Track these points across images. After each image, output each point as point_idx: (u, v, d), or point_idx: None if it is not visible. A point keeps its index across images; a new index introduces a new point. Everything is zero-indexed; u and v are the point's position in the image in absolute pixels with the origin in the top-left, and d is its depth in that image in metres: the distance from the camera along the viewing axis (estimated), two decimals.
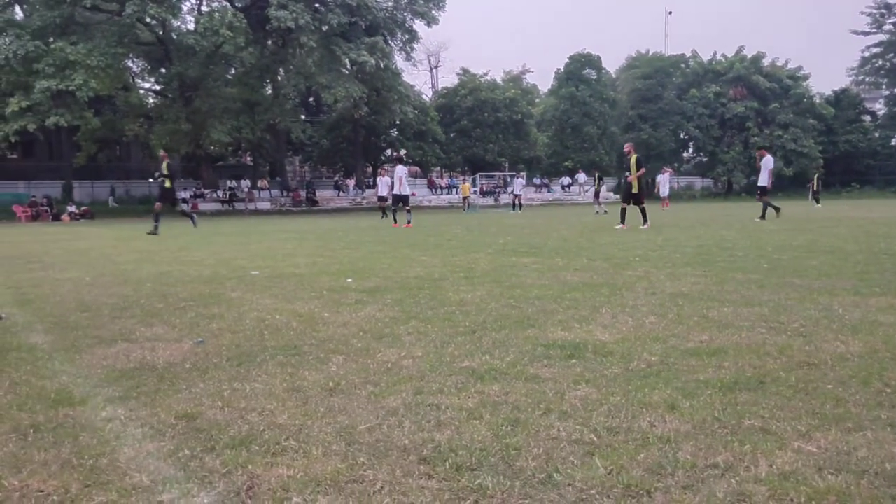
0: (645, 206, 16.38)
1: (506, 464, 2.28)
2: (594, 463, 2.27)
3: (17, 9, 38.79)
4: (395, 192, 21.06)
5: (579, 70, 57.53)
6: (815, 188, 36.11)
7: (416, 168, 54.47)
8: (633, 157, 16.23)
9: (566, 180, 54.97)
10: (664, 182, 35.05)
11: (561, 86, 58.02)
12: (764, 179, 19.21)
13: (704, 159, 62.28)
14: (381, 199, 27.74)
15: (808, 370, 3.30)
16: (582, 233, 14.86)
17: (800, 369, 3.31)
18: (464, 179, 42.19)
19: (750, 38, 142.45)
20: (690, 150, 65.50)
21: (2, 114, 33.08)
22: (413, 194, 22.93)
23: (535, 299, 5.63)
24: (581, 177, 51.75)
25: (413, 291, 6.26)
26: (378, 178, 29.74)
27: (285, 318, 5.07)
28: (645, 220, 16.02)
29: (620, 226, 15.80)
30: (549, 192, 54.26)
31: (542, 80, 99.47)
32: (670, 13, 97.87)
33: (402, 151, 48.84)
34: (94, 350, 4.13)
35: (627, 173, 16.45)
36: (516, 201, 35.35)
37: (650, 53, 63.45)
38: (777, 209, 19.12)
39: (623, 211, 16.38)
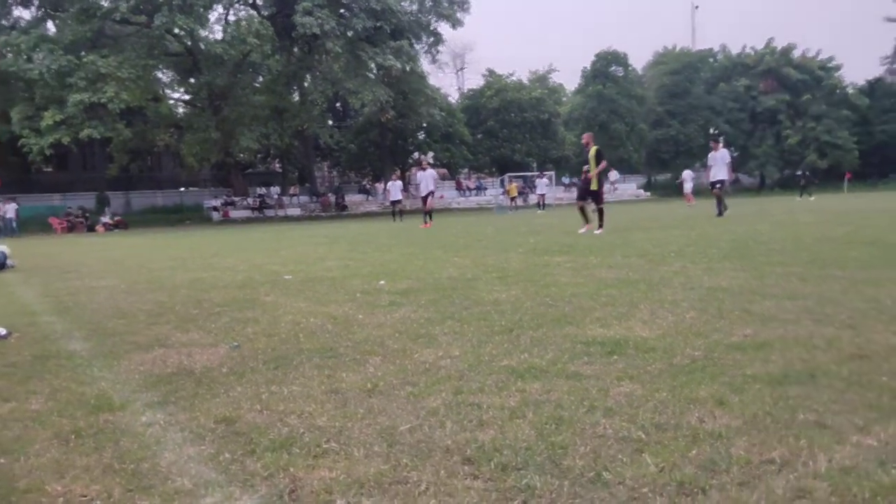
0: (603, 207, 14.49)
1: (552, 463, 2.22)
2: (644, 460, 2.20)
3: (50, 24, 39.55)
4: (424, 193, 22.00)
5: (606, 68, 57.19)
6: (802, 182, 37.37)
7: (444, 170, 54.47)
8: (593, 150, 14.18)
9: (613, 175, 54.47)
10: (688, 178, 34.74)
11: (588, 84, 57.73)
12: (722, 173, 18.30)
13: (735, 154, 61.48)
14: (394, 202, 28.06)
15: (860, 363, 3.18)
16: (613, 230, 14.70)
17: (851, 362, 3.20)
18: (511, 180, 42.34)
19: (779, 30, 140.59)
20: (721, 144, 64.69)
21: (37, 127, 33.70)
22: (442, 196, 23.57)
23: (571, 297, 5.54)
24: (613, 174, 51.37)
25: (447, 292, 6.21)
26: (389, 183, 29.95)
27: (320, 320, 5.05)
28: (601, 224, 14.06)
29: (585, 228, 14.25)
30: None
31: (569, 78, 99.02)
32: (697, 7, 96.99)
33: (430, 155, 49.00)
34: (132, 356, 4.14)
35: (586, 167, 14.47)
36: (541, 201, 35.31)
37: (677, 49, 62.88)
38: (723, 211, 18.26)
39: (581, 210, 14.77)
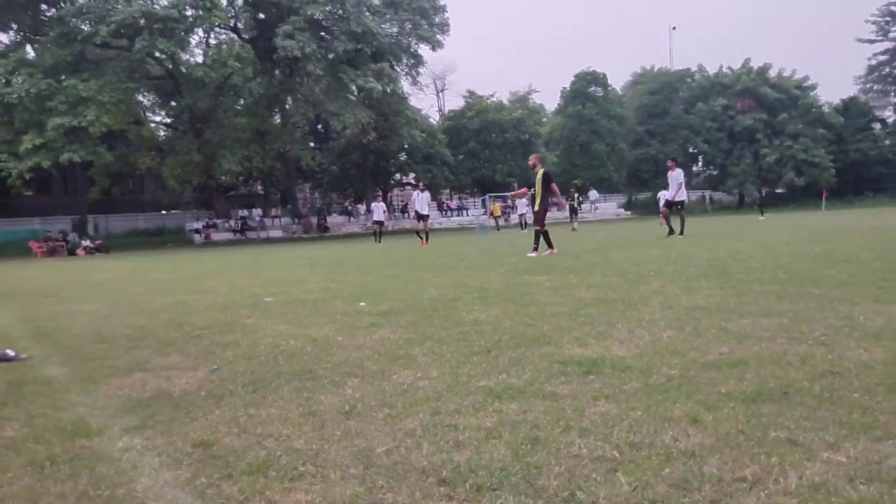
0: (546, 230, 13.75)
1: (527, 483, 2.24)
2: (618, 479, 2.22)
3: (29, 48, 39.41)
4: (422, 212, 23.50)
5: (585, 88, 57.70)
6: (758, 202, 39.20)
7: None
8: (540, 172, 13.66)
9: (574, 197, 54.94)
10: (663, 197, 35.36)
11: (568, 104, 58.20)
12: (676, 194, 18.11)
13: (714, 172, 62.13)
14: (377, 223, 28.44)
15: (833, 379, 3.24)
16: (594, 249, 14.79)
17: (824, 379, 3.25)
18: (494, 200, 42.74)
19: (754, 50, 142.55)
20: (700, 163, 65.42)
21: (16, 152, 33.47)
22: (428, 215, 24.26)
23: (550, 317, 5.58)
24: (593, 194, 51.73)
25: (427, 313, 6.23)
26: (373, 204, 30.36)
27: (300, 343, 5.05)
28: (536, 245, 13.59)
29: (548, 251, 13.48)
30: (559, 210, 54.17)
31: (549, 99, 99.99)
32: (674, 28, 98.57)
33: (412, 176, 49.34)
34: (111, 380, 4.12)
35: (531, 190, 14.02)
36: (522, 221, 35.57)
37: (656, 69, 63.63)
38: (671, 231, 17.88)
39: (543, 234, 13.81)
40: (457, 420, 2.93)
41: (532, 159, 14.31)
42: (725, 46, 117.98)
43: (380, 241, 27.13)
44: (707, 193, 61.74)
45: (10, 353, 4.90)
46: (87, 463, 2.65)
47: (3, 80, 33.78)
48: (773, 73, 59.86)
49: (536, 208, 13.87)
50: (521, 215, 36.32)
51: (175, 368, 4.38)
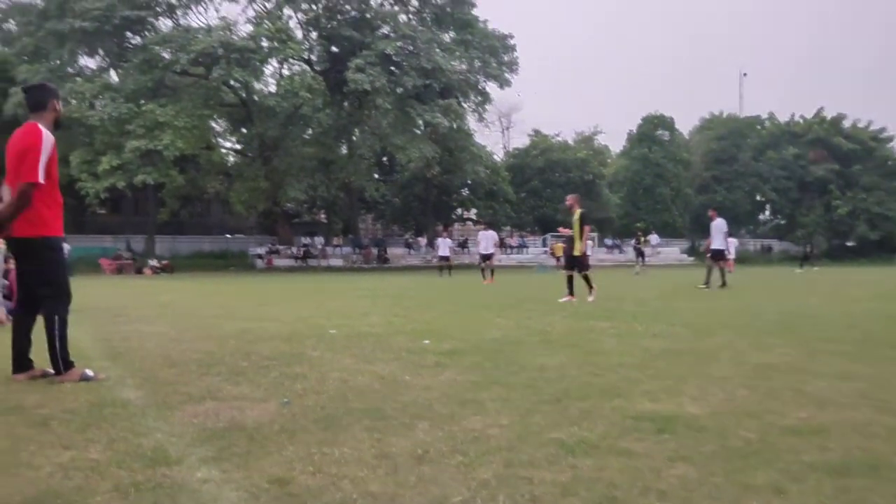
0: (589, 274, 13.58)
1: None
2: None
3: (113, 73, 41.24)
4: (484, 251, 23.88)
5: (652, 131, 57.38)
6: (806, 253, 39.55)
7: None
8: (577, 213, 13.43)
9: (654, 239, 54.12)
10: (732, 244, 35.13)
11: (633, 147, 57.92)
12: (717, 243, 17.70)
13: (782, 222, 60.72)
14: (442, 258, 29.00)
15: None
16: (658, 296, 14.56)
17: None
18: (555, 239, 42.79)
19: (828, 99, 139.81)
20: (767, 212, 64.07)
21: (94, 172, 34.89)
22: (494, 253, 24.63)
23: (618, 367, 5.51)
24: (654, 238, 51.02)
25: (491, 355, 6.22)
26: (438, 239, 30.98)
27: (367, 379, 5.09)
28: (591, 290, 13.23)
29: (566, 297, 13.09)
30: (620, 252, 53.58)
31: (615, 140, 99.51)
32: (745, 75, 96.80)
33: (473, 212, 49.64)
34: (185, 407, 4.21)
35: (570, 232, 13.80)
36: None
37: (725, 115, 62.88)
38: (708, 284, 17.18)
39: (569, 280, 13.65)
40: (531, 473, 2.90)
41: (569, 199, 13.93)
42: (798, 94, 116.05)
43: (443, 276, 27.51)
44: (768, 243, 60.28)
45: (90, 372, 5.06)
46: (169, 492, 2.71)
47: (88, 103, 35.40)
48: (847, 123, 58.49)
49: (576, 251, 13.61)
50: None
51: (246, 399, 4.46)
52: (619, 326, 8.50)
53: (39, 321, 5.13)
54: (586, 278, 13.41)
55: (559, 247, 41.14)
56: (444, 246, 29.24)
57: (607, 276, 28.59)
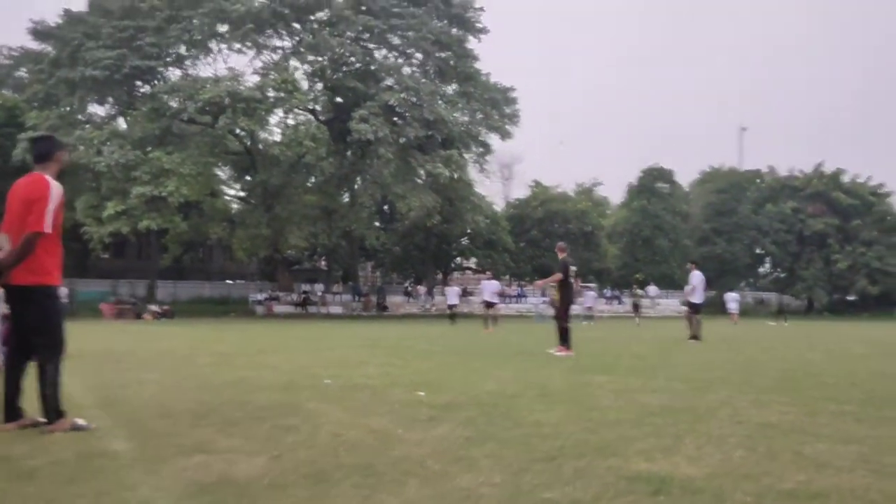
0: (569, 326, 12.80)
1: None
2: None
3: (122, 120, 41.82)
4: (488, 299, 24.65)
5: (652, 183, 57.82)
6: (781, 307, 40.29)
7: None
8: (560, 260, 12.99)
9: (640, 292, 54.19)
10: (732, 299, 36.32)
11: (633, 198, 58.29)
12: (697, 296, 17.53)
13: (782, 275, 60.73)
14: (451, 306, 30.00)
15: None
16: (656, 350, 14.49)
17: None
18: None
19: (828, 153, 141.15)
20: (767, 265, 64.13)
21: (99, 217, 35.09)
22: (497, 303, 25.66)
23: (614, 424, 5.45)
24: (652, 290, 51.01)
25: (487, 409, 6.16)
26: (447, 288, 32.03)
27: (359, 433, 5.04)
28: (564, 343, 12.53)
29: (561, 350, 12.51)
30: (619, 304, 53.51)
31: (614, 191, 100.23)
32: (744, 129, 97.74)
33: (473, 261, 49.88)
34: (175, 460, 4.16)
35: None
36: (588, 313, 35.29)
37: (725, 168, 63.43)
38: (697, 337, 16.92)
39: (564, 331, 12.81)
40: None
41: (559, 247, 13.48)
42: (797, 148, 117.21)
43: (453, 323, 28.46)
44: (769, 297, 60.21)
45: (81, 422, 5.02)
46: None
47: (96, 150, 35.79)
48: (846, 177, 58.92)
49: (556, 301, 13.07)
50: (587, 307, 36.20)
51: (238, 452, 4.41)
52: (616, 381, 8.43)
53: (31, 368, 5.10)
54: (563, 331, 12.62)
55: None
56: (453, 294, 30.68)
57: (606, 327, 28.49)
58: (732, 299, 36.72)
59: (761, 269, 64.96)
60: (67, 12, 40.09)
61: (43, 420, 4.98)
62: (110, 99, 40.56)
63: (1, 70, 50.30)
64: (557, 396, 7.05)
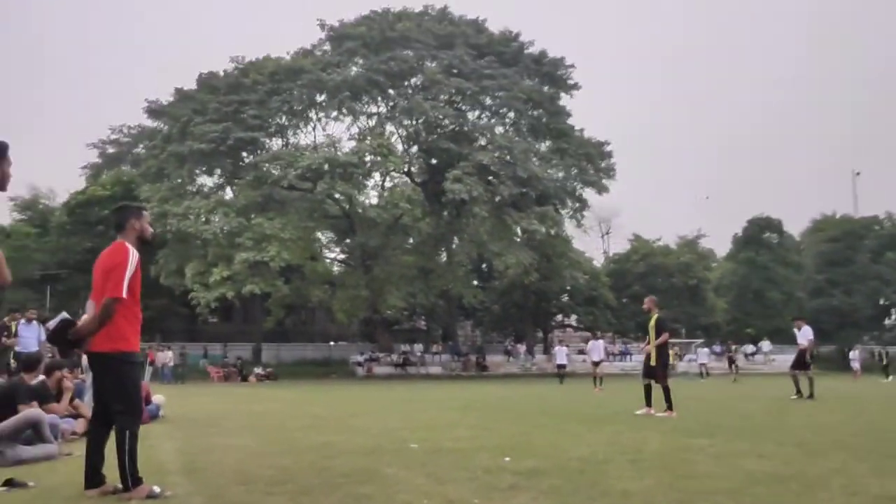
0: (669, 385, 12.07)
1: None
2: None
3: (228, 190, 43.96)
4: (596, 359, 25.19)
5: (759, 234, 55.69)
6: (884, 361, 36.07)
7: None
8: (654, 317, 12.36)
9: (749, 348, 51.54)
10: (855, 356, 34.50)
11: (739, 250, 56.23)
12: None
13: None
14: (560, 366, 30.25)
15: None
16: (769, 409, 13.58)
17: None
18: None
19: None
20: (893, 317, 60.02)
21: (206, 282, 36.61)
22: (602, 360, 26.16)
23: (709, 493, 5.02)
24: (765, 345, 48.46)
25: (573, 476, 5.82)
26: (556, 348, 32.10)
27: (434, 503, 4.82)
28: (668, 405, 11.83)
29: (644, 409, 12.23)
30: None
31: (719, 244, 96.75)
32: (858, 174, 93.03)
33: (574, 318, 49.16)
34: None
35: (647, 339, 12.78)
36: (703, 370, 34.61)
37: (838, 215, 60.42)
38: (799, 392, 16.63)
39: (646, 388, 12.53)
40: None
41: (647, 302, 12.77)
42: None
43: (563, 383, 28.25)
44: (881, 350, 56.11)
45: (157, 489, 5.03)
46: None
47: (204, 219, 37.64)
48: None
49: (652, 360, 12.35)
50: (702, 364, 35.34)
51: None
52: (720, 445, 7.87)
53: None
54: (665, 391, 11.98)
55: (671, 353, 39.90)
56: (562, 354, 30.54)
57: (714, 384, 27.14)
58: (855, 354, 34.95)
59: (887, 322, 60.85)
60: (178, 91, 42.82)
61: (121, 487, 5.02)
62: (217, 170, 42.71)
63: (121, 147, 54.16)
64: (651, 462, 6.62)
